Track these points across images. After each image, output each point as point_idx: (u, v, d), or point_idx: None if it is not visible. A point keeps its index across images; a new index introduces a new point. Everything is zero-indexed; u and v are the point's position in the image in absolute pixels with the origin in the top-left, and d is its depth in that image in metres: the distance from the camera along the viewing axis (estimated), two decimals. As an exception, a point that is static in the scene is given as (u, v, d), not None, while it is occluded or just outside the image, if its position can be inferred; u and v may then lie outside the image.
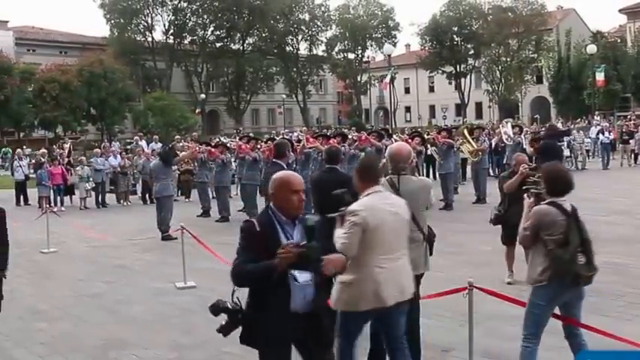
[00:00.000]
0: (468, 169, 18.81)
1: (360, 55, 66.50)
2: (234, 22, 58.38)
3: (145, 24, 57.18)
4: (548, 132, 14.91)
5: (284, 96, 61.87)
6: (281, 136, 23.48)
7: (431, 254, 5.04)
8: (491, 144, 18.86)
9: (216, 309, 3.61)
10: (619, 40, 51.64)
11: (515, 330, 6.00)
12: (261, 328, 3.52)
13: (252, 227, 3.56)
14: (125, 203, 19.56)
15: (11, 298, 8.56)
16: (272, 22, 59.84)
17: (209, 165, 16.31)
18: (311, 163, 14.39)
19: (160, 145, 23.96)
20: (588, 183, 16.39)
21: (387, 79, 35.25)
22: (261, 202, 13.00)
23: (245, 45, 60.59)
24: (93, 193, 19.29)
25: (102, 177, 19.23)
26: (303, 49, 63.54)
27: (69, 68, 44.35)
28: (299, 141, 16.73)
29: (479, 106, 64.91)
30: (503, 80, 58.79)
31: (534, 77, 59.81)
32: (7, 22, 54.56)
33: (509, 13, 57.63)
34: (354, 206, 4.25)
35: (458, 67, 62.13)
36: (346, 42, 65.24)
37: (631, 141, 24.56)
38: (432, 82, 70.87)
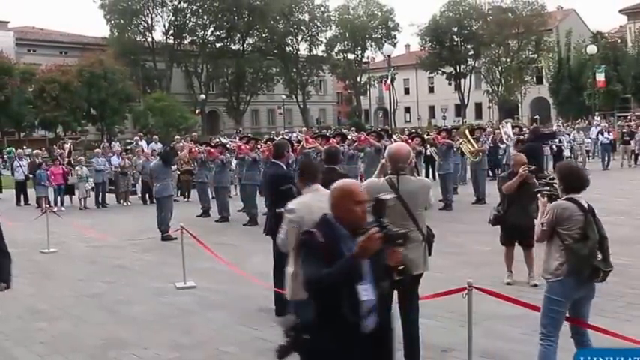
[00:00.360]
0: (467, 169, 18.78)
1: (359, 56, 66.53)
2: (234, 22, 58.40)
3: (145, 24, 57.19)
4: (531, 135, 14.91)
5: (284, 96, 61.88)
6: (280, 137, 23.47)
7: (430, 254, 5.05)
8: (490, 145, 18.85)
9: (286, 325, 3.29)
10: (619, 41, 51.62)
11: (514, 330, 6.04)
12: (328, 353, 3.17)
13: (315, 238, 3.21)
14: (125, 203, 19.56)
15: (11, 297, 8.59)
16: (272, 22, 59.84)
17: (209, 165, 16.33)
18: (310, 163, 14.38)
19: (159, 145, 23.98)
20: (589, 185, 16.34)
21: (389, 80, 35.30)
22: (260, 203, 13.01)
23: (245, 45, 60.59)
24: (92, 194, 19.30)
25: (103, 177, 19.25)
26: (302, 49, 63.64)
27: (69, 69, 44.38)
28: (299, 141, 16.74)
29: (478, 106, 64.89)
30: (503, 81, 58.79)
31: (534, 78, 59.80)
32: (7, 22, 54.60)
33: (509, 14, 57.61)
34: (291, 204, 4.58)
35: (458, 67, 62.12)
36: (346, 42, 65.25)
37: (631, 142, 24.56)
38: (432, 83, 70.87)
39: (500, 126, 21.88)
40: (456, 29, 60.71)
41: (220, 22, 58.38)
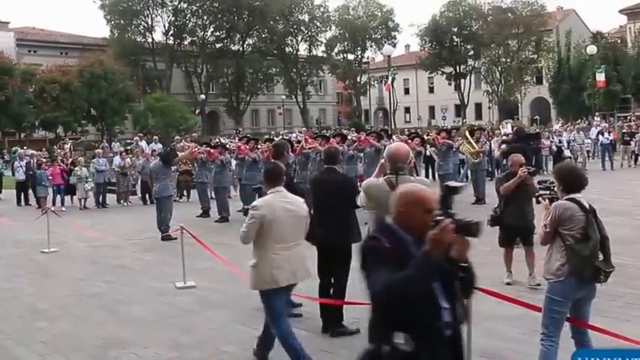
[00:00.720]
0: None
1: (359, 56, 66.44)
2: (233, 23, 58.38)
3: (145, 25, 57.17)
4: (515, 135, 14.87)
5: (284, 97, 61.87)
6: (280, 137, 23.48)
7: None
8: (490, 145, 18.85)
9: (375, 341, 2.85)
10: (619, 41, 51.58)
11: (514, 330, 6.05)
12: None
13: (381, 244, 2.86)
14: (125, 203, 19.58)
15: (12, 297, 8.62)
16: (272, 22, 59.81)
17: (208, 165, 16.34)
18: (310, 163, 14.39)
19: (159, 145, 24.00)
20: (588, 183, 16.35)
21: (389, 81, 35.33)
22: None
23: (245, 46, 60.56)
24: (92, 194, 19.31)
25: (103, 177, 19.26)
26: (302, 49, 63.55)
27: (69, 69, 44.37)
28: (298, 142, 16.75)
29: (478, 106, 64.86)
30: (503, 81, 58.72)
31: (534, 78, 59.73)
32: (8, 23, 54.59)
33: (509, 14, 57.54)
34: (255, 202, 5.31)
35: (457, 67, 62.08)
36: (346, 43, 65.18)
37: (631, 142, 24.56)
38: (432, 83, 70.83)
39: (500, 126, 21.88)
40: (455, 29, 60.67)
41: (220, 22, 58.36)
